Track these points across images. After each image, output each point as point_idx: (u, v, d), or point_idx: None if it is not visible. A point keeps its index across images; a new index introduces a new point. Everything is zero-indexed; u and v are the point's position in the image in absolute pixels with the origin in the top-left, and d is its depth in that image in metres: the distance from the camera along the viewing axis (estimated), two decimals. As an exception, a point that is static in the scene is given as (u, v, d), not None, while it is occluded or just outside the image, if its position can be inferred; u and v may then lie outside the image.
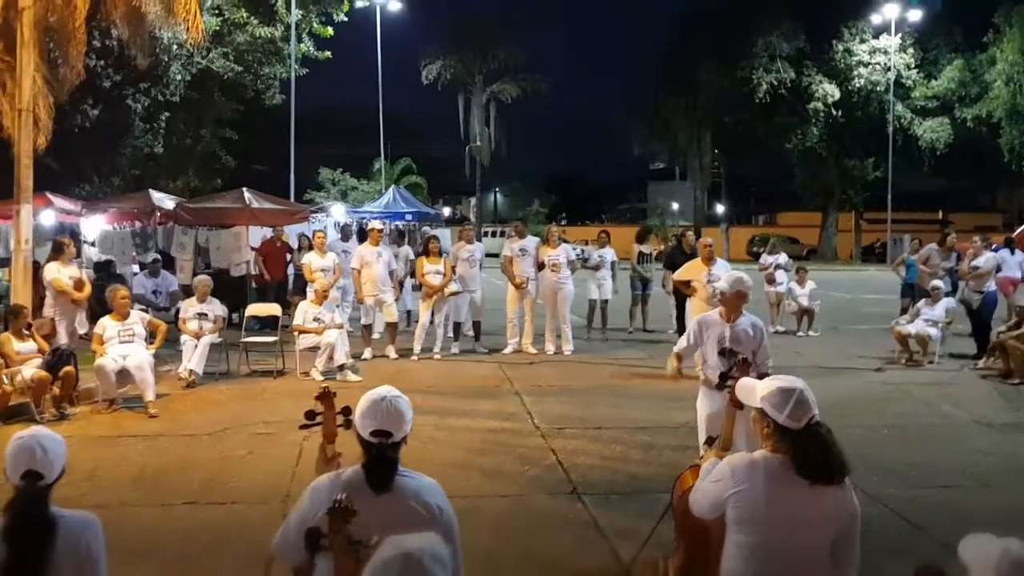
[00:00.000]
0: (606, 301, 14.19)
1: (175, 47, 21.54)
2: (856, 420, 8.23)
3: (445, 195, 43.16)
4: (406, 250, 14.53)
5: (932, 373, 11.09)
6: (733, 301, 5.44)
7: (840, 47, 39.04)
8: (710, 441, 4.08)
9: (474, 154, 51.67)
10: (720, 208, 53.02)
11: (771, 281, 14.85)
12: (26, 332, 8.73)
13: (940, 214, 45.42)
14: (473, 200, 53.43)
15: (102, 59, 20.46)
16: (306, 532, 2.53)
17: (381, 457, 2.67)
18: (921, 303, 12.20)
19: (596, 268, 14.25)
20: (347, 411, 3.07)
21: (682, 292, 11.89)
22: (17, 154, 9.53)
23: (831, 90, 38.84)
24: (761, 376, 5.10)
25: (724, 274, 5.75)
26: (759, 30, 38.78)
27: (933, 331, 11.68)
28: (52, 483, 2.73)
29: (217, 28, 22.54)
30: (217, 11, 22.85)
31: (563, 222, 42.84)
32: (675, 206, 60.33)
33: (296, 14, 24.61)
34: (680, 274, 10.93)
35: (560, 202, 61.68)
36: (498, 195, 65.39)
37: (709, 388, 5.37)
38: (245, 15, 24.21)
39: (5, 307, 10.74)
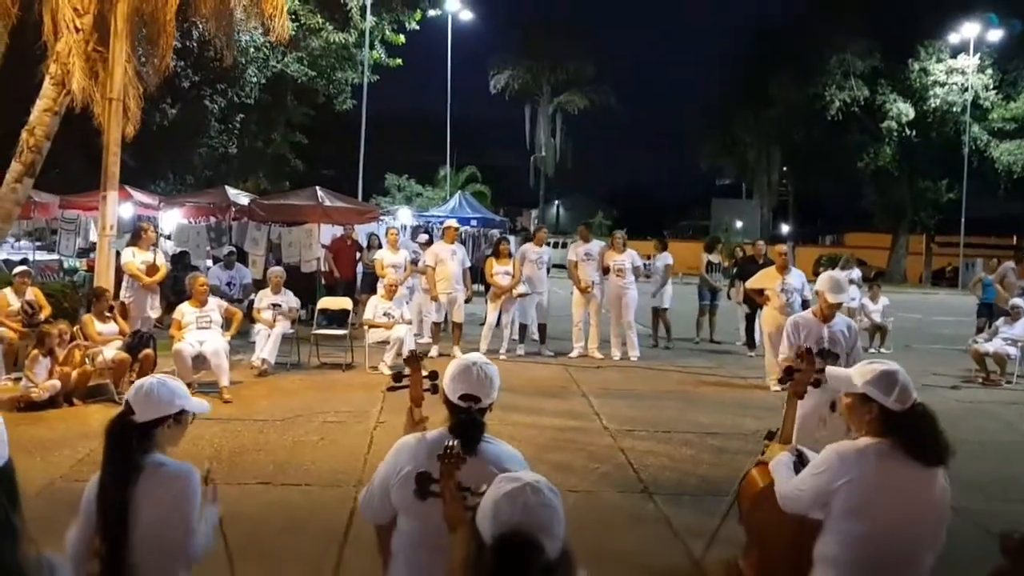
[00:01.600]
0: (665, 309, 14.01)
1: (252, 50, 21.98)
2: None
3: (508, 205, 43.27)
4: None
5: (1010, 392, 10.78)
6: (829, 305, 5.34)
7: (916, 66, 38.21)
8: (770, 435, 4.00)
9: (539, 164, 51.79)
10: (786, 227, 52.25)
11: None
12: (108, 314, 8.97)
13: (1014, 239, 44.10)
14: (534, 212, 53.48)
15: (182, 60, 20.97)
16: (416, 476, 2.58)
17: (469, 420, 2.72)
18: (999, 322, 11.88)
19: (649, 276, 14.11)
20: (434, 375, 3.13)
21: (754, 302, 11.75)
22: (106, 142, 9.82)
23: (905, 109, 38.03)
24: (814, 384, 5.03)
25: (823, 275, 5.63)
26: (833, 47, 38.17)
27: (1012, 350, 11.35)
28: (142, 424, 2.81)
29: (293, 33, 22.96)
30: (293, 16, 23.27)
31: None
32: (739, 224, 59.63)
33: (370, 21, 24.94)
34: (754, 282, 10.78)
35: (622, 216, 61.45)
36: (560, 207, 65.40)
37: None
38: (320, 21, 24.60)
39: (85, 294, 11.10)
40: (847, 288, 5.48)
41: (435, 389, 3.08)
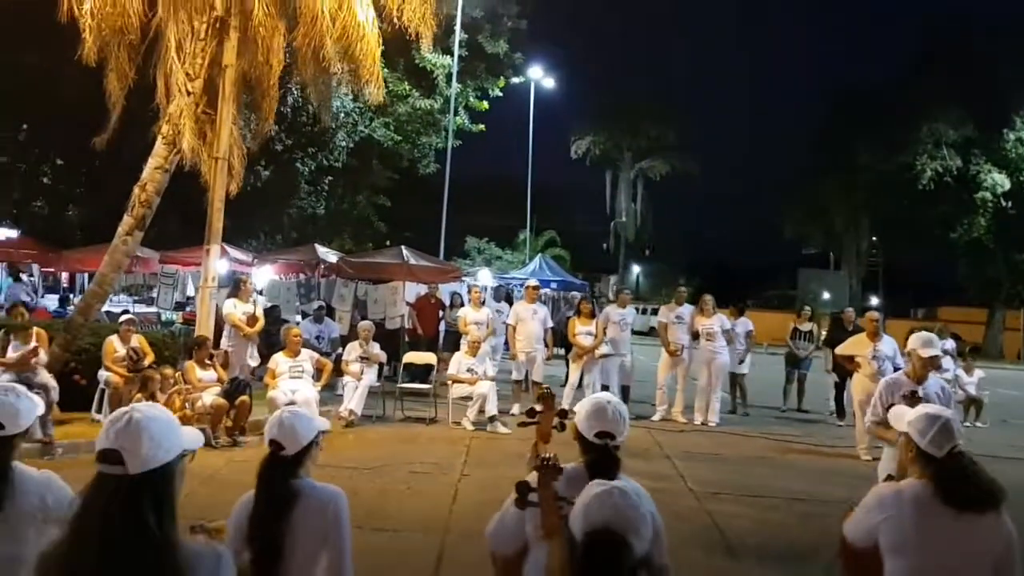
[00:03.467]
0: (743, 375, 13.82)
1: (342, 115, 22.79)
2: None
3: (586, 270, 43.41)
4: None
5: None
6: (923, 362, 5.25)
7: (1012, 136, 37.35)
8: (890, 478, 3.97)
9: (619, 230, 51.94)
10: (875, 299, 51.00)
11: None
12: (208, 362, 9.32)
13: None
14: (613, 278, 53.43)
15: (277, 124, 21.85)
16: (516, 485, 2.68)
17: (606, 456, 2.83)
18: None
19: (729, 341, 13.95)
20: (563, 414, 3.22)
21: (844, 369, 11.54)
22: (211, 198, 10.30)
23: (1000, 180, 37.11)
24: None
25: (914, 335, 5.54)
26: (923, 115, 37.64)
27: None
28: (294, 455, 2.99)
29: (375, 102, 23.75)
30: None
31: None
32: (826, 295, 58.44)
33: (455, 88, 25.69)
34: (844, 349, 10.58)
35: (704, 283, 60.76)
36: (640, 274, 65.28)
37: (895, 451, 5.11)
38: (408, 88, 25.43)
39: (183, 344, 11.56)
40: (939, 344, 5.38)
41: (563, 427, 3.19)
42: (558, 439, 3.12)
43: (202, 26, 10.05)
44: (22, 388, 2.96)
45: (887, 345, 10.10)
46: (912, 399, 4.17)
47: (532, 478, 2.66)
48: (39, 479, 2.77)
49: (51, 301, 21.10)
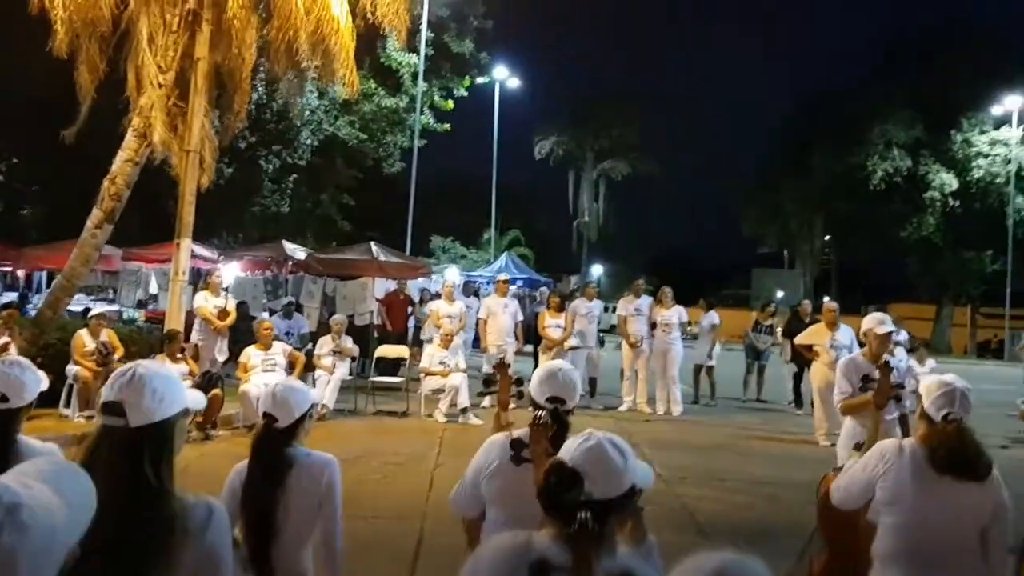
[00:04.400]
0: (710, 368, 14.14)
1: (307, 112, 22.74)
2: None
3: (550, 269, 43.63)
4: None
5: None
6: (880, 339, 5.45)
7: (959, 137, 38.28)
8: (858, 447, 4.18)
9: (581, 230, 52.28)
10: (827, 297, 51.81)
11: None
12: (179, 355, 9.35)
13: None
14: (574, 278, 53.79)
15: (243, 123, 21.74)
16: (511, 441, 2.87)
17: (556, 420, 2.92)
18: (1052, 385, 11.86)
19: (695, 336, 14.24)
20: (520, 382, 3.38)
21: (803, 358, 11.86)
22: (182, 192, 10.32)
23: (949, 180, 38.03)
24: (902, 416, 5.18)
25: (868, 319, 5.74)
26: (876, 117, 38.48)
27: (1066, 414, 11.31)
28: (287, 427, 3.07)
29: (346, 98, 23.73)
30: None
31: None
32: (780, 293, 59.29)
33: (421, 87, 25.75)
34: (803, 338, 10.92)
35: (663, 282, 61.02)
36: (601, 274, 65.80)
37: (855, 427, 5.32)
38: (373, 86, 25.43)
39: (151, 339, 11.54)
40: (891, 323, 5.60)
41: (521, 395, 3.35)
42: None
43: (174, 19, 10.08)
44: (26, 361, 3.00)
45: (844, 335, 10.44)
46: (885, 367, 4.39)
47: (524, 434, 2.84)
48: (44, 452, 2.79)
49: (10, 299, 20.78)
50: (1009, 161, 37.33)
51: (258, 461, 3.04)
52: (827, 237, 48.75)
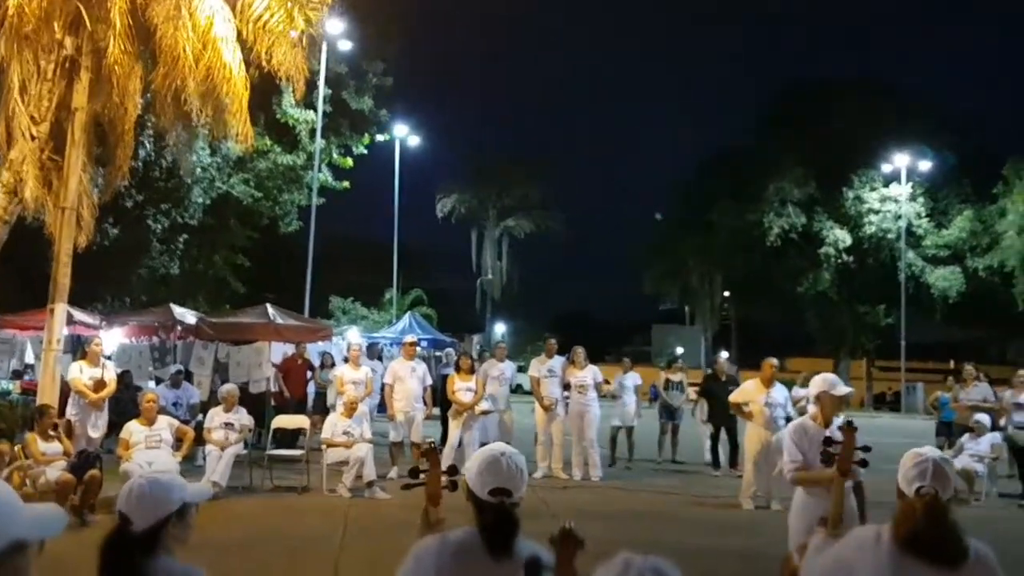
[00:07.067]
0: (631, 428, 13.72)
1: (199, 170, 21.79)
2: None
3: (453, 329, 42.95)
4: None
5: (980, 510, 10.60)
6: (834, 403, 5.06)
7: (851, 194, 39.71)
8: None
9: (485, 288, 52.00)
10: (725, 353, 52.67)
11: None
12: (52, 433, 8.40)
13: (952, 364, 45.18)
14: (476, 337, 53.36)
15: (127, 178, 20.70)
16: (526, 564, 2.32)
17: (503, 518, 2.46)
18: (964, 438, 11.83)
19: (615, 396, 13.85)
20: (453, 470, 2.81)
21: (721, 419, 11.57)
22: (57, 252, 9.41)
23: (842, 236, 39.30)
24: (856, 484, 4.77)
25: (817, 377, 5.35)
26: (770, 175, 39.58)
27: (979, 467, 11.26)
28: (144, 531, 2.46)
29: (240, 154, 22.89)
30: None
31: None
32: (680, 349, 60.06)
33: (320, 144, 25.12)
34: (737, 396, 10.56)
35: (566, 340, 61.11)
36: (505, 332, 65.65)
37: (809, 497, 4.90)
38: (269, 143, 24.66)
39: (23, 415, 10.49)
40: (841, 384, 5.24)
41: (454, 486, 2.78)
42: (450, 501, 2.75)
43: (49, 65, 9.26)
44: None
45: (779, 393, 10.18)
46: (849, 428, 3.95)
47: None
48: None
49: None
50: (899, 217, 38.81)
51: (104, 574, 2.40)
52: (726, 293, 49.63)
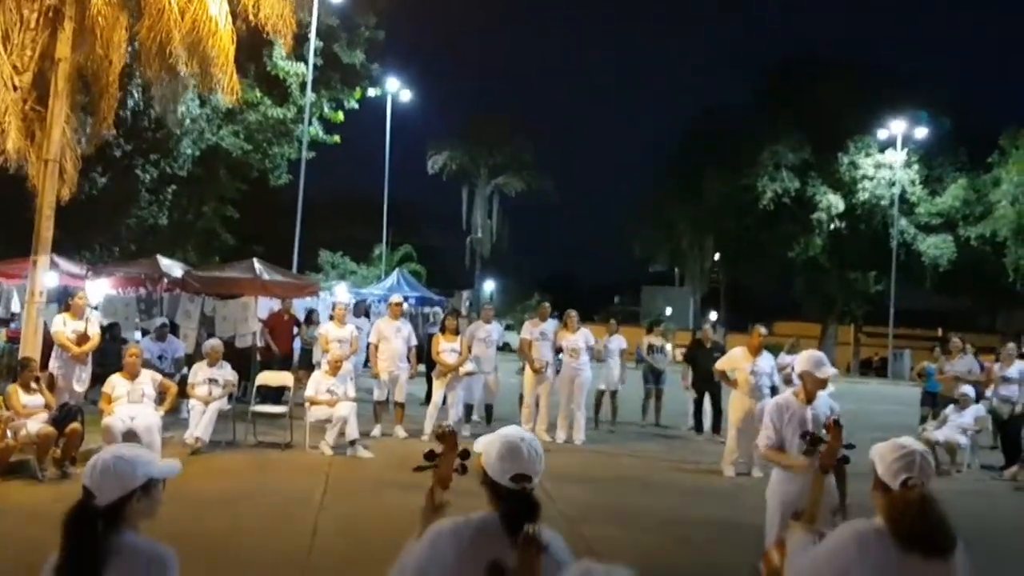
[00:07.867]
0: (615, 392, 13.78)
1: (188, 121, 21.54)
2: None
3: (442, 286, 42.87)
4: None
5: (963, 482, 10.73)
6: (817, 383, 5.06)
7: (845, 160, 39.49)
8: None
9: (474, 246, 51.84)
10: (715, 314, 52.84)
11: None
12: (34, 385, 8.38)
13: (940, 332, 45.45)
14: (466, 293, 53.32)
15: (115, 128, 20.42)
16: (489, 566, 2.30)
17: (526, 504, 2.43)
18: (948, 410, 11.90)
19: (602, 359, 13.85)
20: (465, 455, 2.78)
21: (703, 387, 11.61)
22: (40, 205, 9.33)
23: (835, 201, 39.14)
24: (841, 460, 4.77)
25: (804, 354, 5.35)
26: (766, 139, 39.33)
27: (962, 439, 11.37)
28: (108, 506, 2.45)
29: (230, 106, 22.63)
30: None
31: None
32: (668, 310, 60.27)
33: (310, 97, 24.84)
34: (723, 363, 10.60)
35: (554, 300, 61.19)
36: (494, 291, 65.58)
37: (785, 474, 4.93)
38: (259, 95, 24.37)
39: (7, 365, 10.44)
40: (828, 364, 5.23)
41: (465, 469, 2.76)
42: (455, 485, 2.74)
43: (33, 15, 9.10)
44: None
45: (766, 361, 10.21)
46: (835, 426, 3.92)
47: (478, 556, 2.34)
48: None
49: None
50: (893, 184, 38.68)
51: (67, 551, 2.39)
52: (716, 256, 49.59)
